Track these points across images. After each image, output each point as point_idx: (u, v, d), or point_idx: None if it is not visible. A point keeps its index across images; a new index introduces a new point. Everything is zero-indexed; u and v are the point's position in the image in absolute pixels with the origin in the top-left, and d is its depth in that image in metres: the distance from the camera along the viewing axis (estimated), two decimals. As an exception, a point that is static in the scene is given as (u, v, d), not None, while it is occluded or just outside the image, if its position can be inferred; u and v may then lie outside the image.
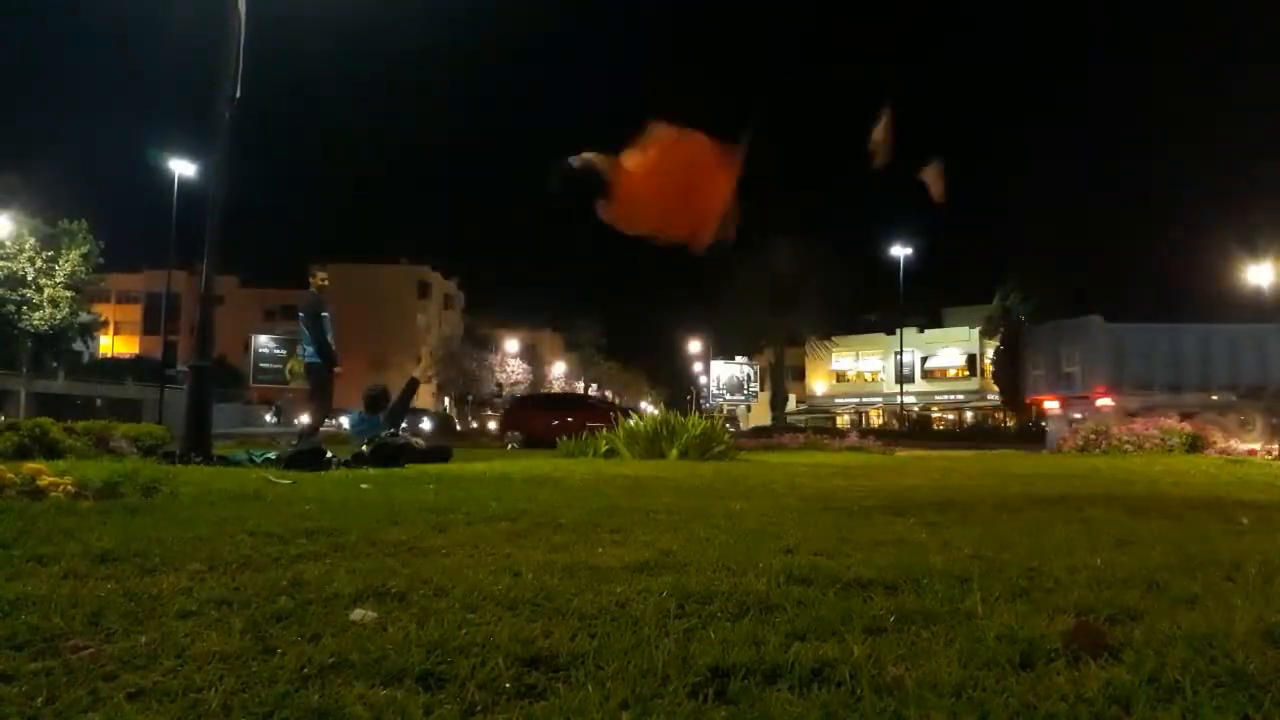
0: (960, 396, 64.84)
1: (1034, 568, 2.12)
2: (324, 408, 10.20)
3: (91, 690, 1.22)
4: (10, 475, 4.02)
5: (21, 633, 1.50)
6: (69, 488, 3.98)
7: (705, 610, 1.74)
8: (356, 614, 1.67)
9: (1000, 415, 60.57)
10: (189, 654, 1.39)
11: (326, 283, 10.53)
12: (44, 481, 3.99)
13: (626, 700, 1.18)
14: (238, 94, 9.01)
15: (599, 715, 1.12)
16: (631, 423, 11.67)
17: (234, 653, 1.40)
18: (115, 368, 56.64)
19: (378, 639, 1.47)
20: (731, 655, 1.38)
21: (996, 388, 57.70)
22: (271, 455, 7.93)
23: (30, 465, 4.50)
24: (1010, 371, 52.35)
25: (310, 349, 10.01)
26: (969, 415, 52.13)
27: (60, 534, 2.70)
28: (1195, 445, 13.25)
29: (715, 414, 15.96)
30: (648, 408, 54.60)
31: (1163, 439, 13.40)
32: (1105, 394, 18.36)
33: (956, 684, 1.20)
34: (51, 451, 7.80)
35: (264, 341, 37.87)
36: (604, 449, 11.40)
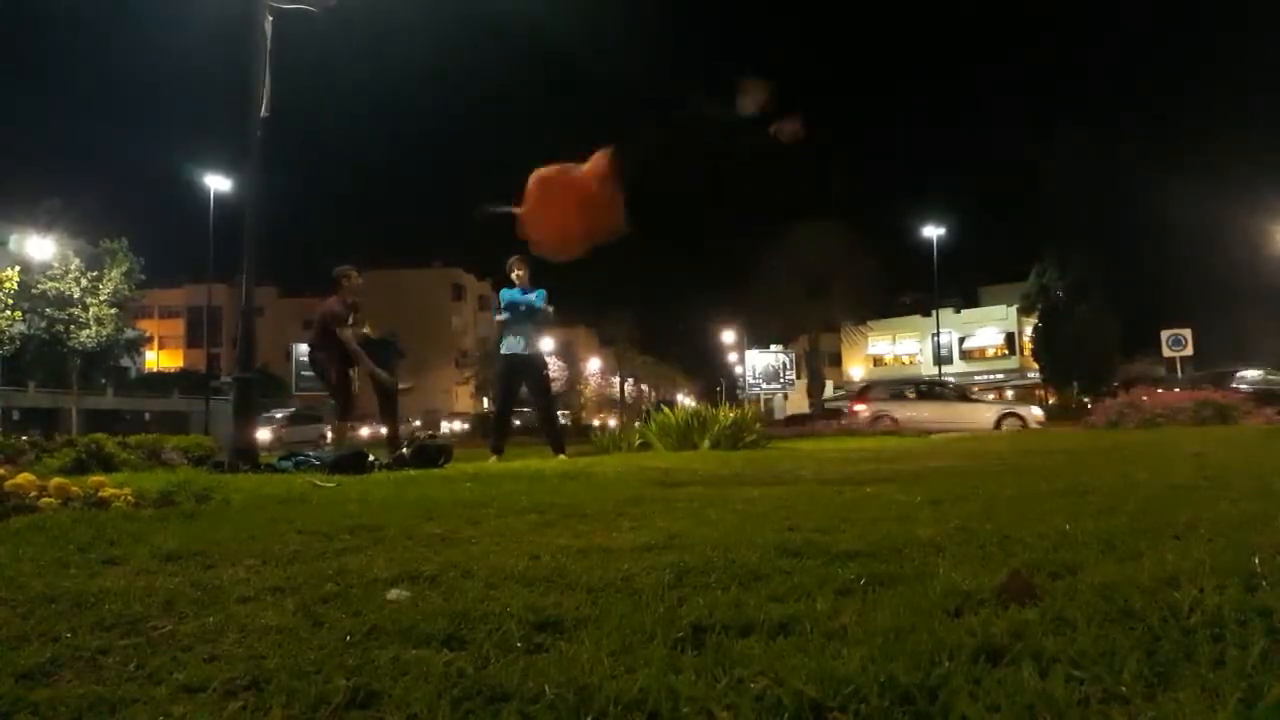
0: (1000, 376, 64.21)
1: (1008, 535, 2.30)
2: (343, 403, 9.44)
3: (173, 657, 1.47)
4: (75, 489, 4.32)
5: (108, 618, 1.75)
6: (129, 498, 4.28)
7: (701, 581, 1.96)
8: (393, 594, 1.92)
9: (1041, 393, 59.88)
10: (250, 629, 1.65)
11: (361, 281, 9.58)
12: (106, 493, 4.29)
13: (615, 651, 1.40)
14: (266, 113, 9.26)
15: (589, 662, 1.34)
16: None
17: (288, 627, 1.65)
18: (161, 381, 57.88)
19: (410, 612, 1.72)
20: (714, 615, 1.60)
21: (1036, 365, 57.11)
22: (315, 461, 8.21)
23: (94, 478, 4.81)
24: (1049, 348, 51.94)
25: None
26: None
27: (128, 538, 2.96)
28: (1225, 417, 13.34)
29: (749, 403, 16.13)
30: (685, 400, 54.51)
31: (1196, 410, 13.45)
32: None
33: (891, 628, 1.41)
34: (108, 465, 8.16)
35: (305, 350, 38.54)
36: (638, 443, 11.69)
